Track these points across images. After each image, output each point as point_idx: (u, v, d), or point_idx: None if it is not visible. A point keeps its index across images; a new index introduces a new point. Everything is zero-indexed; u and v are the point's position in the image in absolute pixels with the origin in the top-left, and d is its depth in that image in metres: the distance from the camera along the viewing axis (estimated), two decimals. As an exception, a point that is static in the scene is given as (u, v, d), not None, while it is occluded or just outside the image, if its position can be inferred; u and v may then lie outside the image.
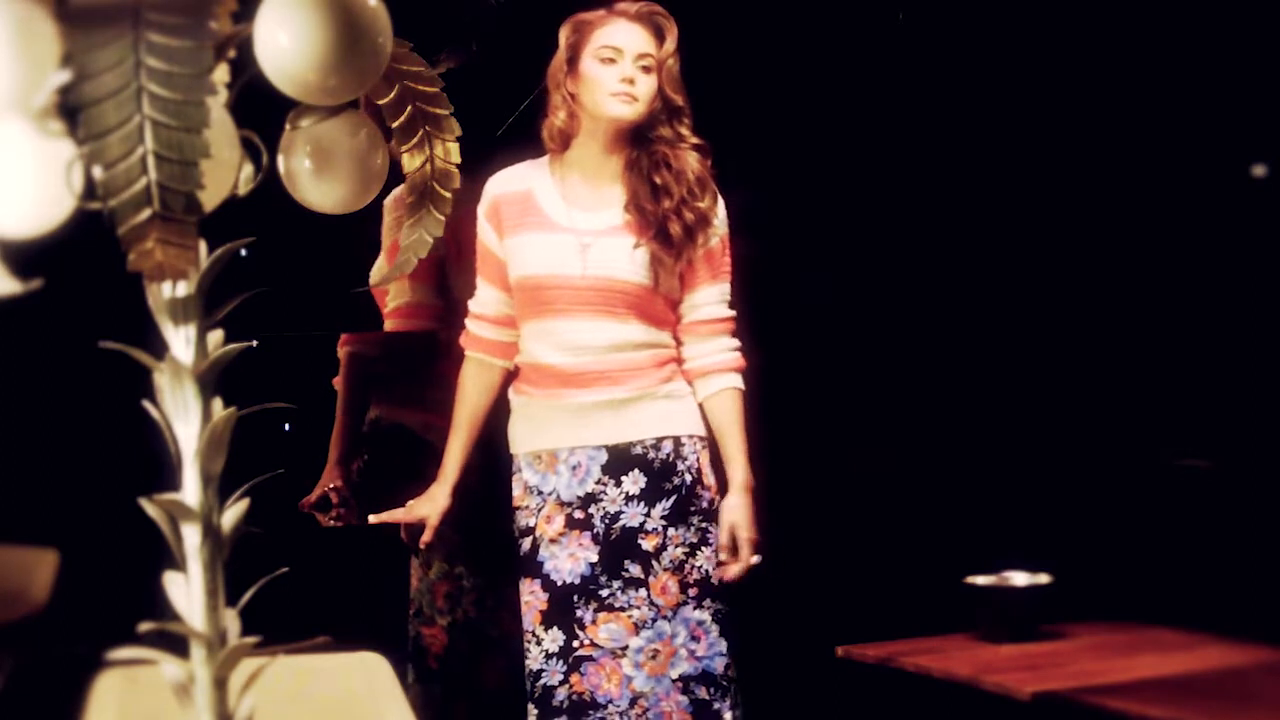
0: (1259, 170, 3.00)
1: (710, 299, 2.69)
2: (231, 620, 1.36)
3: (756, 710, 2.80)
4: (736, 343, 2.71)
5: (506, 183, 2.70)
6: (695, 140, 2.62)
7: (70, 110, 1.32)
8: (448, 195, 1.52)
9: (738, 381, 2.70)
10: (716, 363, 2.69)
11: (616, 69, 2.55)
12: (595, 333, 2.61)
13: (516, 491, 2.71)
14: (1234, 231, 3.03)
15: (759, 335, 2.86)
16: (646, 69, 2.57)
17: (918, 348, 3.76)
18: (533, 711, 2.62)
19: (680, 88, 2.61)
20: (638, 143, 2.61)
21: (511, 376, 2.74)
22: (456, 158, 1.52)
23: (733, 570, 2.63)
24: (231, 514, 1.37)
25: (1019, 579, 2.75)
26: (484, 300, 2.73)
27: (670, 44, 2.59)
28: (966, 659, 2.51)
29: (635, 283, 2.60)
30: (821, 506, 3.73)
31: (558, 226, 2.62)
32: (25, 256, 1.41)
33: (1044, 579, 2.74)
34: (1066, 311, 3.45)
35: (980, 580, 2.75)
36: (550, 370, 2.64)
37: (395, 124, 1.48)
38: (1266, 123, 2.96)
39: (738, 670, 2.67)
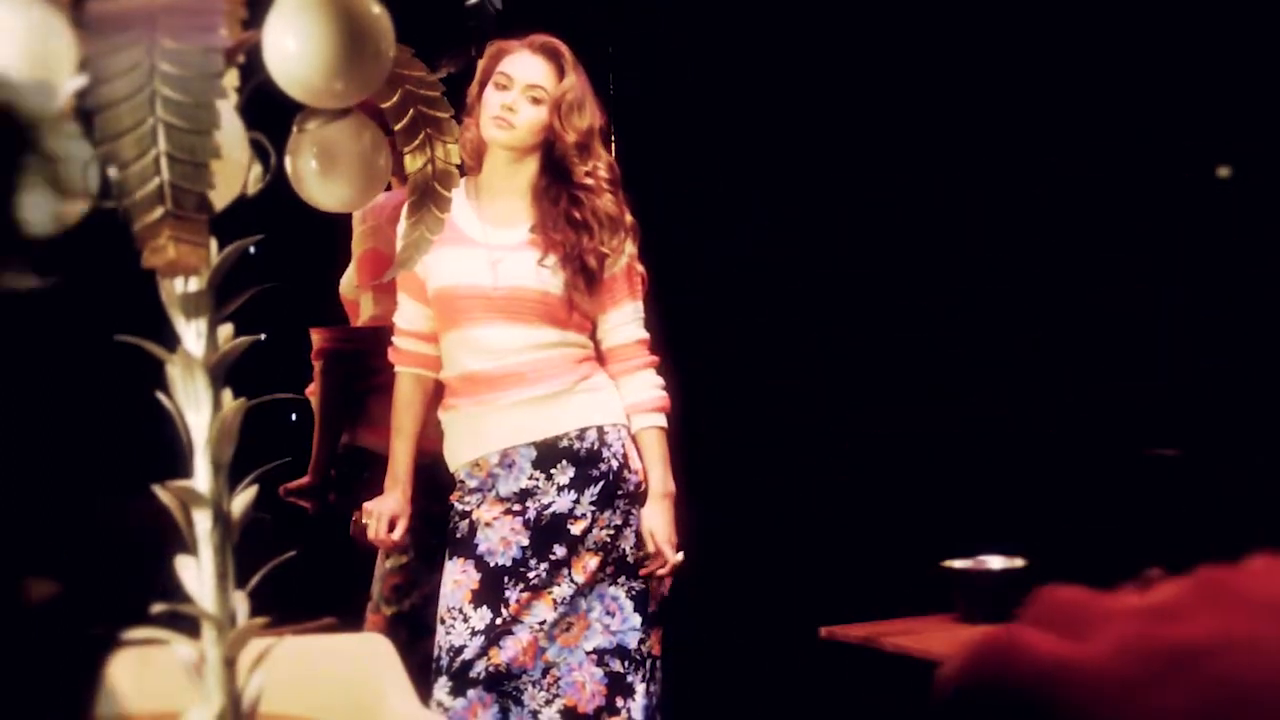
0: (1223, 171, 3.07)
1: (626, 318, 2.84)
2: (241, 602, 1.42)
3: (740, 689, 2.87)
4: (661, 381, 2.86)
5: None
6: (608, 180, 2.74)
7: (86, 113, 1.37)
8: (448, 195, 1.57)
9: (661, 421, 2.87)
10: (641, 402, 2.82)
11: (503, 95, 2.69)
12: (509, 337, 2.76)
13: (456, 493, 2.83)
14: (1200, 230, 3.11)
15: (752, 317, 2.94)
16: (535, 100, 2.72)
17: (899, 337, 3.82)
18: (445, 684, 2.72)
19: (587, 127, 2.73)
20: (550, 171, 2.74)
21: (443, 387, 2.85)
22: (456, 159, 1.57)
23: (659, 572, 2.80)
24: (241, 500, 1.42)
25: (995, 563, 2.83)
26: (410, 316, 2.87)
27: (569, 82, 2.70)
28: (944, 639, 2.59)
29: (542, 290, 2.73)
30: (804, 492, 3.79)
31: (473, 241, 2.78)
32: (44, 253, 1.46)
33: (1019, 562, 2.81)
34: (1044, 305, 3.51)
35: (958, 564, 2.82)
36: (474, 376, 2.78)
37: (397, 126, 1.53)
38: (1230, 126, 3.04)
39: (725, 652, 2.77)
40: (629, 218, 2.81)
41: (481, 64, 2.76)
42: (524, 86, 2.72)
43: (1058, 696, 0.64)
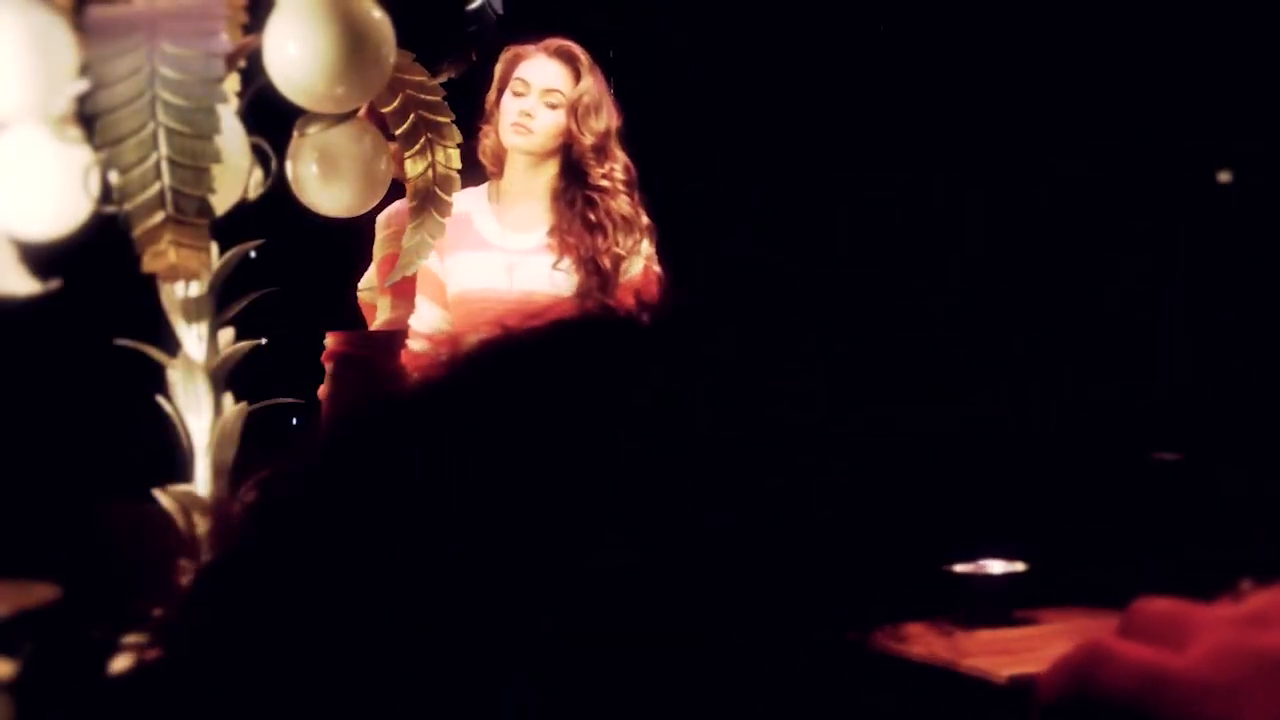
0: (1224, 176, 3.07)
1: None
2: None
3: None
4: None
5: None
6: (624, 182, 2.74)
7: (88, 117, 1.37)
8: (449, 200, 1.57)
9: None
10: None
11: (521, 102, 2.69)
12: None
13: None
14: (1201, 234, 3.11)
15: (751, 317, 2.92)
16: (553, 105, 2.70)
17: (899, 337, 3.82)
18: None
19: (604, 129, 2.71)
20: (568, 173, 2.74)
21: None
22: (457, 164, 1.57)
23: None
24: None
25: (996, 567, 2.83)
26: (426, 319, 2.86)
27: (585, 85, 2.70)
28: (945, 643, 2.58)
29: (555, 295, 2.73)
30: (804, 493, 3.78)
31: (490, 245, 2.78)
32: (44, 258, 1.46)
33: (1020, 567, 2.81)
34: (1045, 309, 3.52)
35: (959, 568, 2.82)
36: None
37: (398, 131, 1.53)
38: (1231, 132, 3.04)
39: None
40: (645, 219, 2.80)
41: (498, 69, 2.75)
42: (541, 92, 2.71)
43: (1152, 705, 0.65)
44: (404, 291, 3.12)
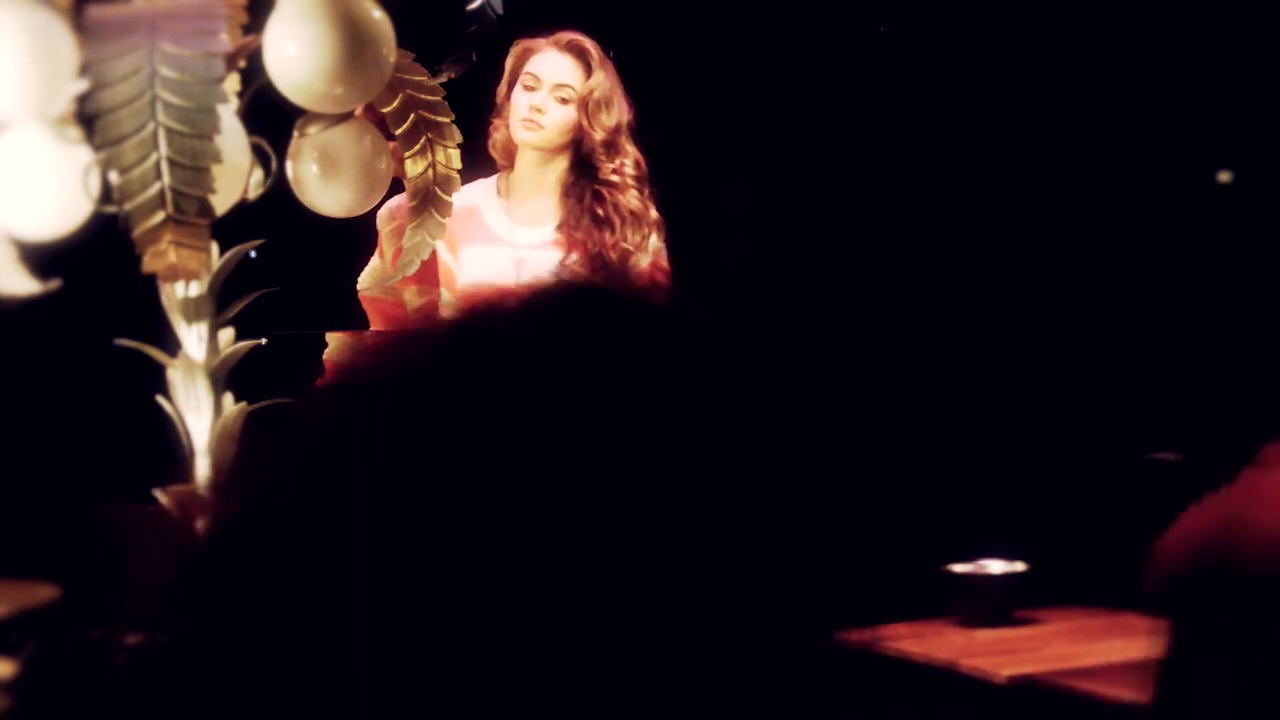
0: (1224, 176, 3.08)
1: None
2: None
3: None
4: None
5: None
6: (634, 177, 2.73)
7: (88, 117, 1.37)
8: (449, 200, 1.57)
9: None
10: None
11: (531, 97, 2.68)
12: None
13: None
14: (1201, 235, 3.11)
15: (751, 317, 2.93)
16: (564, 100, 2.68)
17: (901, 342, 3.82)
18: None
19: (615, 124, 2.70)
20: (578, 168, 2.73)
21: None
22: (457, 164, 1.57)
23: None
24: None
25: (996, 567, 2.83)
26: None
27: (596, 79, 2.68)
28: (945, 643, 2.58)
29: None
30: (803, 494, 3.78)
31: (499, 240, 2.77)
32: (44, 258, 1.46)
33: (1020, 567, 2.81)
34: (1044, 310, 3.52)
35: (959, 568, 2.82)
36: None
37: (399, 131, 1.53)
38: (1231, 132, 3.04)
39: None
40: (654, 214, 2.78)
41: (508, 63, 2.74)
42: (552, 86, 2.69)
43: None
44: (428, 279, 3.12)
